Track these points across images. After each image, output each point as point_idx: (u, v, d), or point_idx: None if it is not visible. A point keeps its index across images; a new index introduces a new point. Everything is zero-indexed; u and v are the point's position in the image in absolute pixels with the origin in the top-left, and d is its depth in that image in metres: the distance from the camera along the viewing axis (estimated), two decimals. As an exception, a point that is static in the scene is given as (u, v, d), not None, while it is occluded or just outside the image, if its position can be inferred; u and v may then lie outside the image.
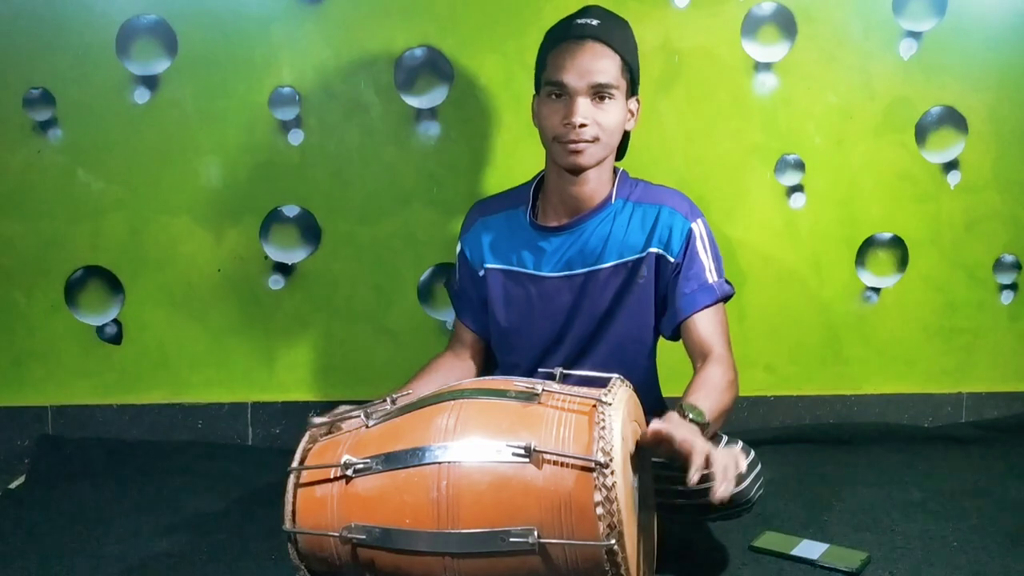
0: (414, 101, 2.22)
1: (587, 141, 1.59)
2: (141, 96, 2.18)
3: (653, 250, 1.64)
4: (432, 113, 2.23)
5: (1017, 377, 2.43)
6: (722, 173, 2.29)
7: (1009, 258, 2.40)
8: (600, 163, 1.64)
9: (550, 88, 1.61)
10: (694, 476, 1.20)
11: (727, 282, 1.66)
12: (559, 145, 1.61)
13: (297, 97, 2.20)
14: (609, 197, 1.68)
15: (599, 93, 1.58)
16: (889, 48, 2.29)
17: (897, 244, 2.36)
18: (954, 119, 2.33)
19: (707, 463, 1.22)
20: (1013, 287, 2.41)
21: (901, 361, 2.40)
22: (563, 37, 1.62)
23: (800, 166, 2.31)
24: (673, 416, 1.35)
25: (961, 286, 2.39)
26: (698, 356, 1.59)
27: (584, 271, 1.67)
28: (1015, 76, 2.33)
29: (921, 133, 2.33)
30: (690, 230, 1.63)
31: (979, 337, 2.41)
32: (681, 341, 1.66)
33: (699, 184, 2.27)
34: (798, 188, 2.32)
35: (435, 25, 2.20)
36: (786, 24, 2.26)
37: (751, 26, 2.25)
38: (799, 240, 2.33)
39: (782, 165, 2.31)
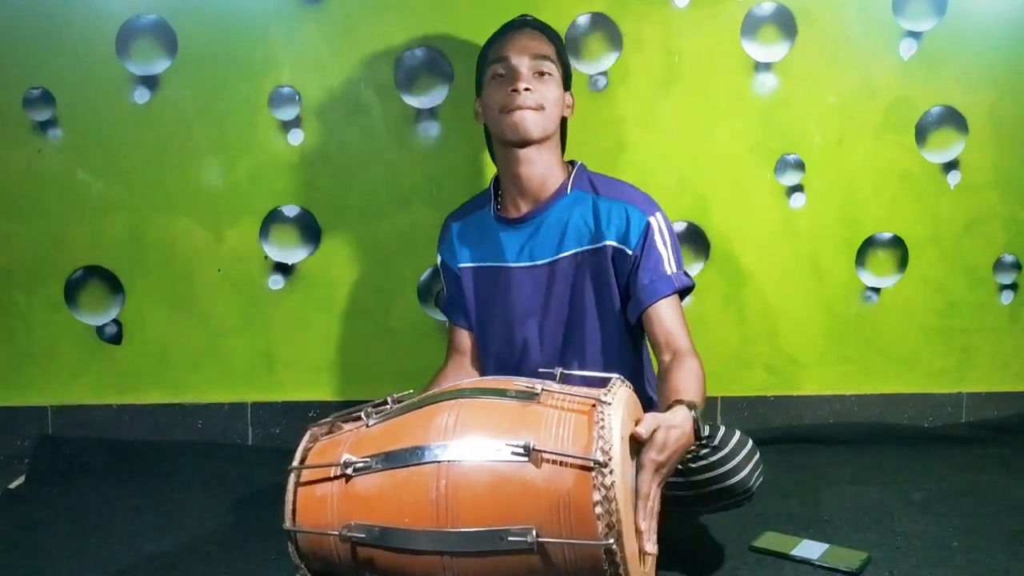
0: (414, 101, 2.22)
1: (531, 108, 1.65)
2: (141, 96, 2.18)
3: (610, 243, 1.67)
4: (432, 113, 2.23)
5: (1017, 377, 2.43)
6: (722, 173, 2.29)
7: (1009, 258, 2.40)
8: (544, 140, 1.68)
9: (495, 67, 1.69)
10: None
11: (686, 274, 1.69)
12: (505, 115, 1.67)
13: (297, 97, 2.20)
14: (564, 187, 1.72)
15: (539, 67, 1.67)
16: (889, 48, 2.29)
17: (897, 244, 2.36)
18: (954, 119, 2.33)
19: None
20: (1013, 287, 2.41)
21: (901, 361, 2.40)
22: (503, 31, 1.75)
23: (800, 166, 2.31)
24: (679, 411, 1.37)
25: (961, 286, 2.39)
26: (664, 347, 1.61)
27: (545, 261, 1.71)
28: (1015, 76, 2.33)
29: (921, 133, 2.32)
30: (647, 223, 1.66)
31: (979, 337, 2.41)
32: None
33: (699, 184, 2.27)
34: (798, 188, 2.32)
35: (435, 25, 2.20)
36: (786, 24, 2.26)
37: (751, 26, 2.25)
38: (799, 240, 2.33)
39: (782, 165, 2.30)
